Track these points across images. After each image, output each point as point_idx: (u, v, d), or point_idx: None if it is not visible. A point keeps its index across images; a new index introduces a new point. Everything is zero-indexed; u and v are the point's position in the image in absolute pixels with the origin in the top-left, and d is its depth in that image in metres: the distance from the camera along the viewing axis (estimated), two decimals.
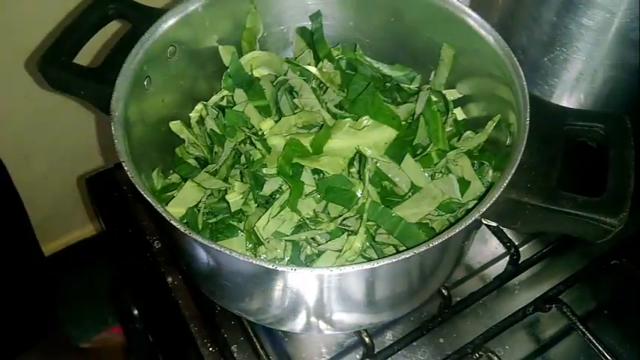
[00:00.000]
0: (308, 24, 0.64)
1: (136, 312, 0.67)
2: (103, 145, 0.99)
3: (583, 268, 0.62)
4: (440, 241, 0.42)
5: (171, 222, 0.43)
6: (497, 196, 0.44)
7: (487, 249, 0.67)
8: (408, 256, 0.41)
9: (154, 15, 0.55)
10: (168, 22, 0.55)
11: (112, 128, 0.48)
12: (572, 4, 0.58)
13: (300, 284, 0.46)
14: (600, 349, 0.55)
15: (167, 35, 0.55)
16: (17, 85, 0.84)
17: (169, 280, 0.63)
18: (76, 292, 1.28)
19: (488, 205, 0.43)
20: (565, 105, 0.60)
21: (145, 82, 0.54)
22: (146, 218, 0.68)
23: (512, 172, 0.44)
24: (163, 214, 0.43)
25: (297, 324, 0.54)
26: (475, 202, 0.53)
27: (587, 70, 0.62)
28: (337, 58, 0.64)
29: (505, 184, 0.44)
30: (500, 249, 0.66)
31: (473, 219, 0.43)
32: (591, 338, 0.56)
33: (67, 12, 0.74)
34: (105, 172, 0.71)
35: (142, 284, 0.66)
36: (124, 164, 0.46)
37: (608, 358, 0.54)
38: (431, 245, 0.41)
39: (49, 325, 1.00)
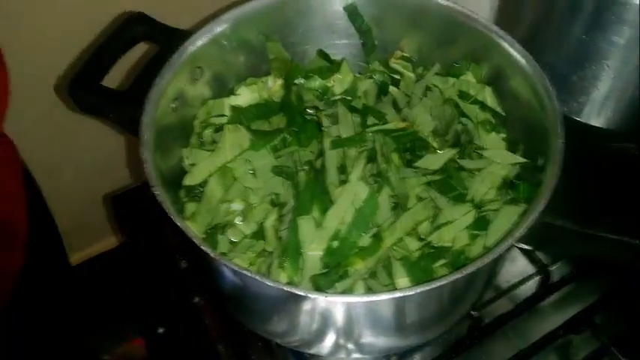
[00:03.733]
0: (334, 42, 0.64)
1: (161, 330, 0.67)
2: (131, 161, 1.00)
3: (616, 288, 0.60)
4: (474, 268, 0.41)
5: (202, 247, 0.43)
6: (532, 220, 0.43)
7: (516, 268, 0.65)
8: (442, 283, 0.40)
9: (182, 36, 0.55)
10: (196, 44, 0.55)
11: (142, 152, 0.48)
12: (602, 21, 0.57)
13: (330, 310, 0.46)
14: None
15: (195, 56, 0.55)
16: (45, 99, 0.85)
17: (196, 300, 0.63)
18: (98, 303, 1.28)
19: (523, 230, 0.43)
20: (594, 123, 0.59)
21: (174, 105, 0.54)
22: (172, 238, 0.68)
23: (548, 196, 0.44)
24: (194, 240, 0.43)
25: (325, 347, 0.53)
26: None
27: (616, 87, 0.61)
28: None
29: (540, 209, 0.43)
30: (530, 268, 0.65)
31: (507, 245, 0.42)
32: None
33: (95, 34, 0.75)
34: (130, 191, 0.72)
35: (168, 303, 0.66)
36: (153, 189, 0.46)
37: None
38: (465, 273, 0.40)
39: (74, 337, 1.00)
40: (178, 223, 0.44)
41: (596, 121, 0.60)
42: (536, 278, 0.62)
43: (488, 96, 0.58)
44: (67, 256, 1.00)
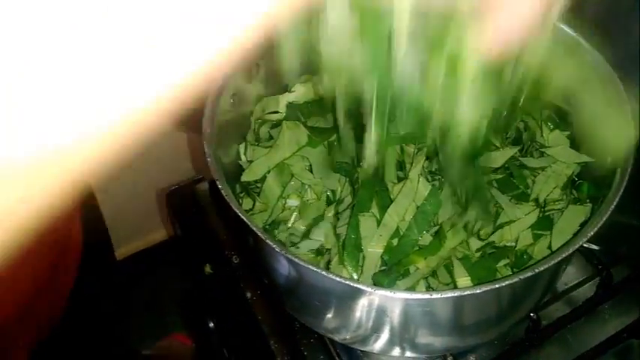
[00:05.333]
0: None
1: (211, 324, 0.68)
2: (179, 157, 1.02)
3: None
4: (544, 267, 0.40)
5: (267, 240, 0.43)
6: (604, 220, 0.42)
7: (574, 269, 0.64)
8: (505, 283, 0.40)
9: None
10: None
11: (205, 147, 0.48)
12: None
13: (391, 307, 0.45)
14: None
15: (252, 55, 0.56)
16: None
17: (248, 295, 0.64)
18: (139, 297, 1.30)
19: (594, 230, 0.42)
20: None
21: (232, 101, 0.55)
22: (224, 233, 0.68)
23: (620, 193, 0.42)
24: (257, 232, 0.43)
25: (379, 345, 0.53)
26: None
27: None
28: None
29: (612, 208, 0.42)
30: (589, 269, 0.63)
31: (576, 247, 0.41)
32: None
33: None
34: (184, 186, 0.73)
35: (219, 298, 0.66)
36: (218, 183, 0.46)
37: None
38: (536, 271, 0.40)
39: (119, 332, 1.02)
40: (243, 217, 0.44)
41: None
42: (596, 279, 0.60)
43: None
44: (113, 251, 1.01)
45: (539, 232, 0.49)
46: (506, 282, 0.40)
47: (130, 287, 1.20)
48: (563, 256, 0.40)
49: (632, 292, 0.60)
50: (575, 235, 0.44)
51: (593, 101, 0.50)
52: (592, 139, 0.52)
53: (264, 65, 0.58)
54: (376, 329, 0.49)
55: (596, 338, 0.57)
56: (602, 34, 0.60)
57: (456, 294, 0.40)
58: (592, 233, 0.41)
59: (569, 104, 0.56)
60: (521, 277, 0.39)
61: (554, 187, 0.51)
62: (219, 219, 0.68)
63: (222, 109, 0.53)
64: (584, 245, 0.47)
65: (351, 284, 0.40)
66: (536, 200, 0.51)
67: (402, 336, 0.50)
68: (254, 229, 0.43)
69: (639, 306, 0.59)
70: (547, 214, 0.50)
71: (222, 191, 0.45)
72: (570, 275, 0.63)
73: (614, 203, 0.42)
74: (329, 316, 0.51)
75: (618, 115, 0.47)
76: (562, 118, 0.56)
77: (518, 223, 0.49)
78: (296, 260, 0.41)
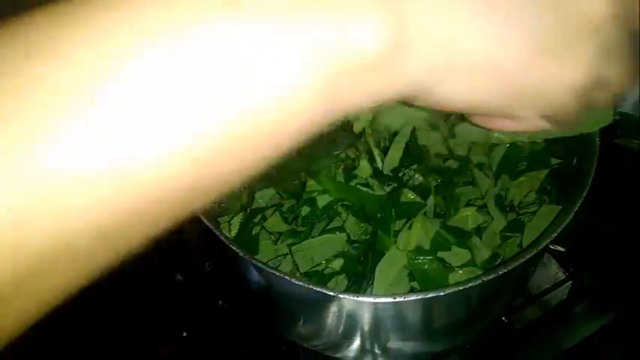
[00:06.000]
0: None
1: (185, 334, 0.67)
2: None
3: None
4: (508, 268, 0.40)
5: (231, 246, 0.42)
6: (568, 219, 0.42)
7: (546, 272, 0.64)
8: (476, 283, 0.39)
9: None
10: None
11: None
12: None
13: (358, 311, 0.45)
14: None
15: None
16: None
17: (220, 302, 0.63)
18: (117, 313, 1.27)
19: (559, 230, 0.41)
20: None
21: None
22: (196, 239, 0.67)
23: (584, 194, 0.42)
24: (224, 241, 0.43)
25: (351, 352, 0.52)
26: None
27: None
28: None
29: (576, 209, 0.42)
30: (561, 274, 0.63)
31: (543, 245, 0.41)
32: None
33: None
34: None
35: (192, 307, 0.65)
36: None
37: None
38: (500, 272, 0.39)
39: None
40: (207, 223, 0.43)
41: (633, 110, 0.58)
42: (568, 283, 0.60)
43: None
44: None
45: (510, 234, 0.49)
46: (470, 284, 0.39)
47: (108, 303, 1.18)
48: (527, 257, 0.40)
49: (603, 295, 0.60)
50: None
51: None
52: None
53: None
54: (346, 335, 0.48)
55: (570, 342, 0.57)
56: None
57: (419, 297, 0.40)
58: (556, 234, 0.41)
59: None
60: (484, 279, 0.39)
61: (529, 192, 0.51)
62: (190, 224, 0.67)
63: None
64: (555, 248, 0.47)
65: (314, 288, 0.40)
66: (512, 204, 0.51)
67: (373, 342, 0.50)
68: (219, 236, 0.42)
69: (611, 309, 0.59)
70: (519, 217, 0.50)
71: None
72: (543, 278, 0.63)
73: (579, 204, 0.42)
74: (300, 323, 0.51)
75: None
76: None
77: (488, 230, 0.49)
78: (262, 267, 0.41)
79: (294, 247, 0.49)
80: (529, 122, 0.27)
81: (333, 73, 0.20)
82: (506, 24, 0.22)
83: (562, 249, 0.46)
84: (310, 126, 0.21)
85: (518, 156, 0.52)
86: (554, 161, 0.52)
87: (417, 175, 0.51)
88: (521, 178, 0.52)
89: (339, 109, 0.21)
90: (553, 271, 0.63)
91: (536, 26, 0.23)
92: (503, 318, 0.56)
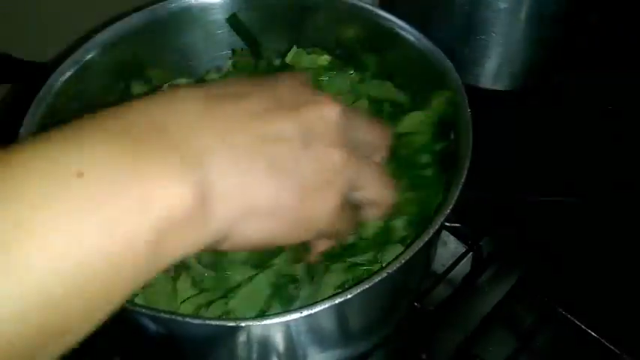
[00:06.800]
0: (220, 54, 0.61)
1: None
2: None
3: (545, 251, 0.61)
4: (412, 253, 0.38)
5: None
6: (456, 197, 0.41)
7: (447, 250, 0.64)
8: (382, 277, 0.37)
9: (45, 70, 0.49)
10: (66, 75, 0.49)
11: None
12: None
13: (270, 336, 0.41)
14: (584, 327, 0.53)
15: (67, 89, 0.50)
16: None
17: None
18: None
19: (450, 206, 0.41)
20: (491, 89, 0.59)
21: None
22: None
23: (466, 167, 0.42)
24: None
25: None
26: None
27: (507, 53, 0.62)
28: None
29: (461, 184, 0.42)
30: (461, 248, 0.64)
31: (438, 224, 0.40)
32: (572, 318, 0.54)
33: None
34: None
35: None
36: None
37: (594, 335, 0.53)
38: (403, 261, 0.38)
39: None
40: None
41: (496, 86, 0.60)
42: (469, 255, 0.61)
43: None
44: None
45: None
46: (377, 279, 0.37)
47: None
48: (427, 238, 0.39)
49: (503, 261, 0.62)
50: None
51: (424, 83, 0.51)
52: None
53: (87, 99, 0.52)
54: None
55: (482, 312, 0.58)
56: (424, 17, 0.62)
57: (327, 304, 0.37)
58: (449, 210, 0.40)
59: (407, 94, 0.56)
60: (390, 271, 0.37)
61: None
62: None
63: None
64: (451, 225, 0.47)
65: (216, 323, 0.36)
66: None
67: None
68: None
69: (513, 272, 0.61)
70: None
71: None
72: (445, 257, 0.63)
73: (463, 177, 0.42)
74: None
75: (451, 92, 0.48)
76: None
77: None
78: (141, 311, 0.36)
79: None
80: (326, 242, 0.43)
81: (158, 228, 0.26)
82: (283, 183, 0.33)
83: (458, 225, 0.46)
84: (140, 276, 0.26)
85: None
86: (438, 146, 0.53)
87: None
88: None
89: (164, 259, 0.28)
90: (453, 247, 0.64)
91: (302, 179, 0.33)
92: (416, 304, 0.55)
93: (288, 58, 0.59)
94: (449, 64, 0.48)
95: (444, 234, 0.63)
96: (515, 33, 0.59)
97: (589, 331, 0.53)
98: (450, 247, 0.64)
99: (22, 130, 0.45)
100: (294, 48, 0.59)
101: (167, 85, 0.57)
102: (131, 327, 0.44)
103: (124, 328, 0.46)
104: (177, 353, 0.47)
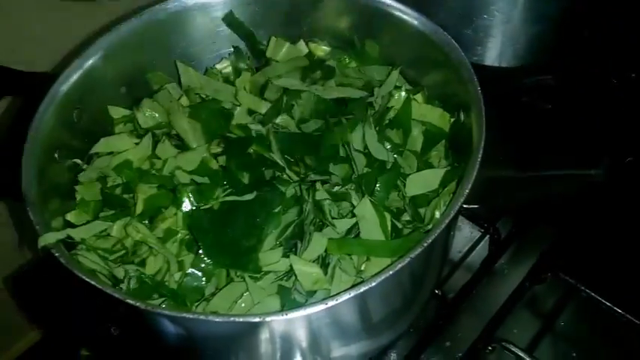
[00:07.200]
0: (219, 52, 0.60)
1: None
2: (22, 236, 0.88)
3: (565, 229, 0.60)
4: (432, 238, 0.38)
5: (128, 301, 0.36)
6: (473, 177, 0.40)
7: (462, 235, 0.63)
8: (405, 263, 0.37)
9: (46, 80, 0.49)
10: (68, 83, 0.49)
11: (30, 214, 0.41)
12: None
13: (292, 330, 0.41)
14: (609, 304, 0.52)
15: (68, 98, 0.49)
16: None
17: None
18: None
19: (468, 189, 0.40)
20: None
21: (56, 154, 0.48)
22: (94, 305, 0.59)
23: (481, 147, 0.42)
24: (116, 295, 0.37)
25: None
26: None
27: (508, 31, 0.61)
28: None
29: (477, 164, 0.41)
30: (476, 232, 0.63)
31: (457, 207, 0.40)
32: (596, 295, 0.53)
33: None
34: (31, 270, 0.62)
35: None
36: (54, 251, 0.39)
37: (619, 311, 0.52)
38: (425, 244, 0.37)
39: None
40: (91, 282, 0.37)
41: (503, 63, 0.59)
42: (486, 238, 0.60)
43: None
44: None
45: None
46: (400, 265, 0.37)
47: None
48: (447, 221, 0.38)
49: (521, 241, 0.61)
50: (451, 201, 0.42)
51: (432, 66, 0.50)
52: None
53: (88, 106, 0.52)
54: (283, 356, 0.44)
55: (503, 295, 0.57)
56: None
57: (352, 294, 0.36)
58: (465, 194, 0.40)
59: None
60: (412, 255, 0.37)
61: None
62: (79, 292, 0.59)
63: (46, 167, 0.46)
64: (466, 207, 0.46)
65: (240, 320, 0.35)
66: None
67: (315, 357, 0.46)
68: (107, 290, 0.36)
69: (532, 252, 0.60)
70: None
71: (61, 260, 0.38)
72: (461, 242, 0.63)
73: (478, 157, 0.41)
74: None
75: (459, 72, 0.47)
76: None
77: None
78: (175, 315, 0.35)
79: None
80: None
81: None
82: None
83: (476, 206, 0.45)
84: None
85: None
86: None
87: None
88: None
89: None
90: (468, 232, 0.63)
91: None
92: (436, 291, 0.54)
93: (269, 51, 0.58)
94: (452, 42, 0.48)
95: (459, 219, 0.62)
96: (516, 12, 0.58)
97: (615, 307, 0.53)
98: (464, 232, 0.63)
99: (30, 134, 0.44)
100: (273, 38, 0.58)
101: (168, 85, 0.56)
102: (151, 332, 0.44)
103: (144, 332, 0.45)
104: (199, 352, 0.46)
